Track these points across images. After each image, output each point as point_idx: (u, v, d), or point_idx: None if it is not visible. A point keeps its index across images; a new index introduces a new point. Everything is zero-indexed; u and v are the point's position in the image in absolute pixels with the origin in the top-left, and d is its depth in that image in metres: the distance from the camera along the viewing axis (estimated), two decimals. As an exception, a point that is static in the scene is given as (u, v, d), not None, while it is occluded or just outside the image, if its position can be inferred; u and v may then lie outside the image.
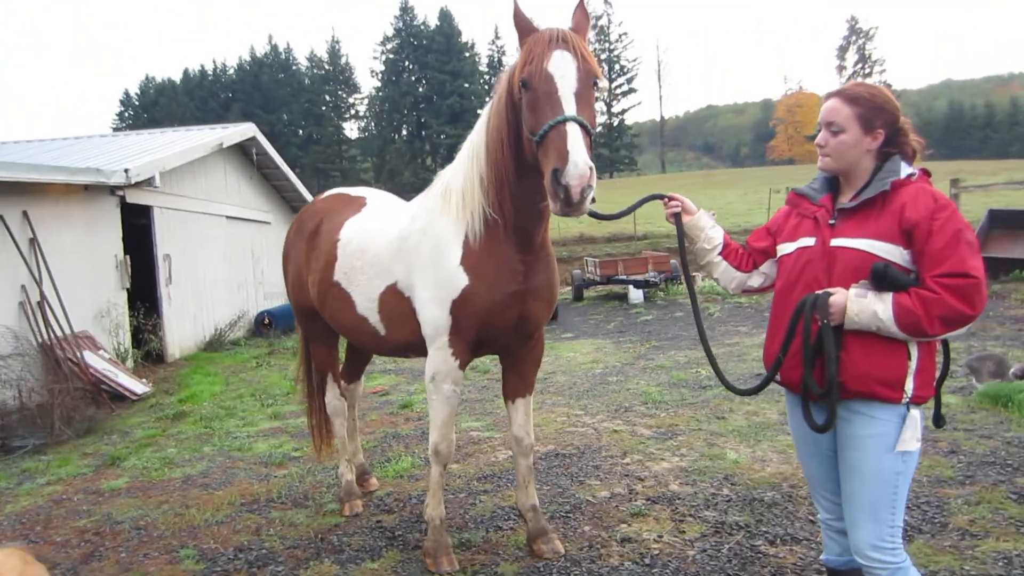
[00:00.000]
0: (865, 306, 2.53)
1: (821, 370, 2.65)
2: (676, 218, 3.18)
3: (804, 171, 73.56)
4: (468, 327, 3.66)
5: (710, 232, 3.15)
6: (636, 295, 16.30)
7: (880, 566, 2.62)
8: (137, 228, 12.84)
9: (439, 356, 3.75)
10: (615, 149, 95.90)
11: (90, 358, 9.83)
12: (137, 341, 12.11)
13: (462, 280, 3.59)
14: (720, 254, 3.13)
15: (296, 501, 5.17)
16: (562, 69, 2.95)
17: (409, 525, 4.57)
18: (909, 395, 2.58)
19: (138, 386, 10.13)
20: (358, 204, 4.51)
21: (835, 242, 2.70)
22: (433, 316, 3.70)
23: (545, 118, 2.92)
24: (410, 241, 3.85)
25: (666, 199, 3.21)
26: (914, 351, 2.57)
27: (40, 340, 9.34)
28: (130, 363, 11.61)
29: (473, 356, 3.86)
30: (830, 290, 2.62)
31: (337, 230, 4.37)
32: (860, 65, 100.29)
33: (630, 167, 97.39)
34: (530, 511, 4.10)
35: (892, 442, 2.61)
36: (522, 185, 3.40)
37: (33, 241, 9.63)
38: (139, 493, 5.61)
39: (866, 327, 2.54)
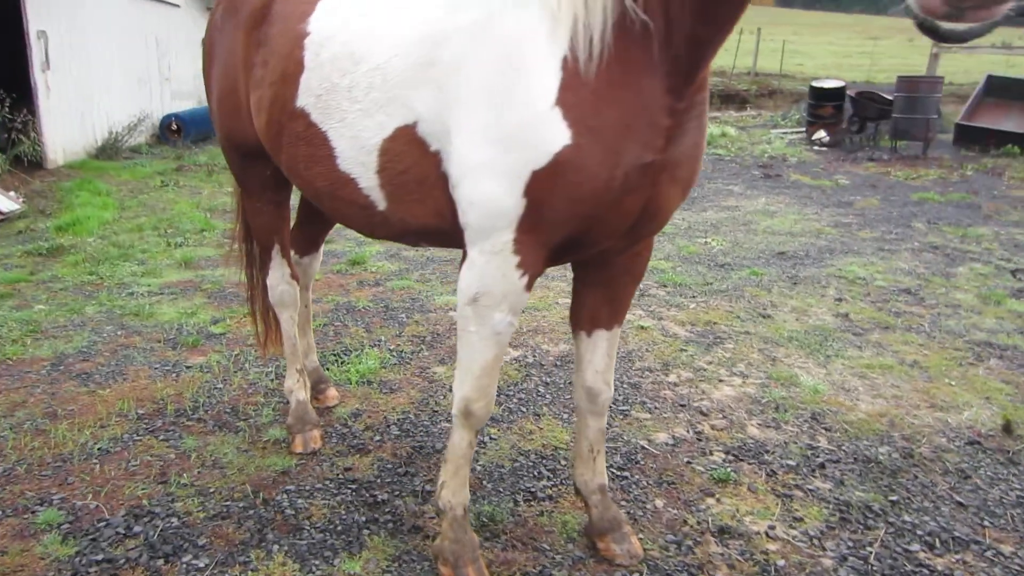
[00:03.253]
0: None
1: None
2: None
3: (757, 13, 69.81)
4: (557, 222, 2.04)
5: None
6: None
7: None
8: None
9: (492, 266, 2.13)
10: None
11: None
12: (5, 142, 9.68)
13: (558, 134, 1.92)
14: None
15: (220, 418, 3.61)
16: None
17: (396, 480, 3.12)
18: None
19: (4, 201, 7.99)
20: None
21: None
22: (489, 195, 2.03)
23: None
24: (448, 49, 2.08)
25: None
26: None
27: None
28: (-4, 168, 9.28)
29: (547, 267, 2.26)
30: None
31: (303, 18, 2.50)
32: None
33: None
34: (597, 493, 2.70)
35: None
36: None
37: None
38: (-15, 383, 3.91)
39: None
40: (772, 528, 2.89)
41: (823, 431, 3.67)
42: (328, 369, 4.14)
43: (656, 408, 3.82)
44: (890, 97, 13.72)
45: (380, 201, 2.37)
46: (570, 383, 4.07)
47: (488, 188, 2.02)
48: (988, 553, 2.82)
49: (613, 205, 2.01)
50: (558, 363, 4.33)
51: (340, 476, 3.14)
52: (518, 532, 2.81)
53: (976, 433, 3.70)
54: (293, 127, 2.48)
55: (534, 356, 4.41)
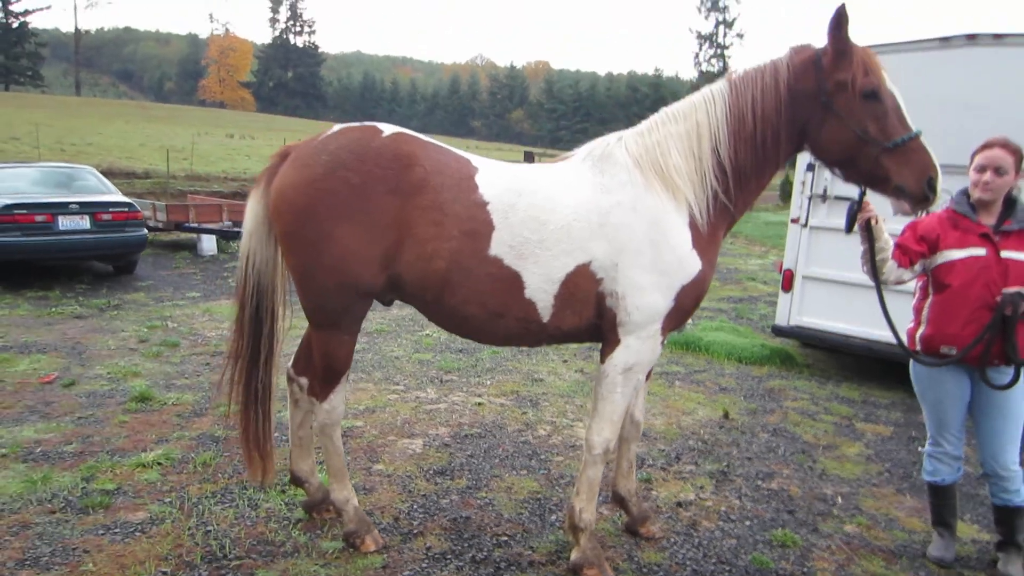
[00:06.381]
0: None
1: (999, 345, 3.57)
2: (868, 224, 3.65)
3: (242, 117, 73.59)
4: (685, 312, 3.48)
5: (886, 233, 3.73)
6: (209, 245, 14.68)
7: (1016, 473, 3.71)
8: None
9: (646, 345, 3.42)
10: (14, 57, 79.91)
11: None
12: None
13: (695, 265, 3.38)
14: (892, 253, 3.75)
15: (261, 550, 3.72)
16: (896, 89, 3.22)
17: (479, 538, 3.88)
18: None
19: None
20: (456, 156, 3.54)
21: (1005, 254, 3.62)
22: (651, 302, 3.35)
23: (897, 131, 3.17)
24: (614, 217, 3.34)
25: (861, 205, 3.61)
26: None
27: None
28: None
29: None
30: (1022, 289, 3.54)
31: (471, 190, 3.37)
32: (292, 22, 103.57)
33: (33, 81, 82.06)
34: (635, 496, 4.04)
35: None
36: (766, 176, 3.45)
37: None
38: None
39: None
40: (698, 495, 4.58)
41: (655, 440, 5.51)
42: (268, 500, 4.39)
43: (560, 453, 5.17)
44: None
45: (546, 315, 3.40)
46: (486, 450, 5.14)
47: (652, 299, 3.33)
48: (782, 477, 4.98)
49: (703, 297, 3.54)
50: (457, 439, 5.32)
51: (433, 552, 3.76)
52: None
53: (717, 422, 6.00)
54: (486, 269, 3.32)
55: (435, 440, 5.30)
